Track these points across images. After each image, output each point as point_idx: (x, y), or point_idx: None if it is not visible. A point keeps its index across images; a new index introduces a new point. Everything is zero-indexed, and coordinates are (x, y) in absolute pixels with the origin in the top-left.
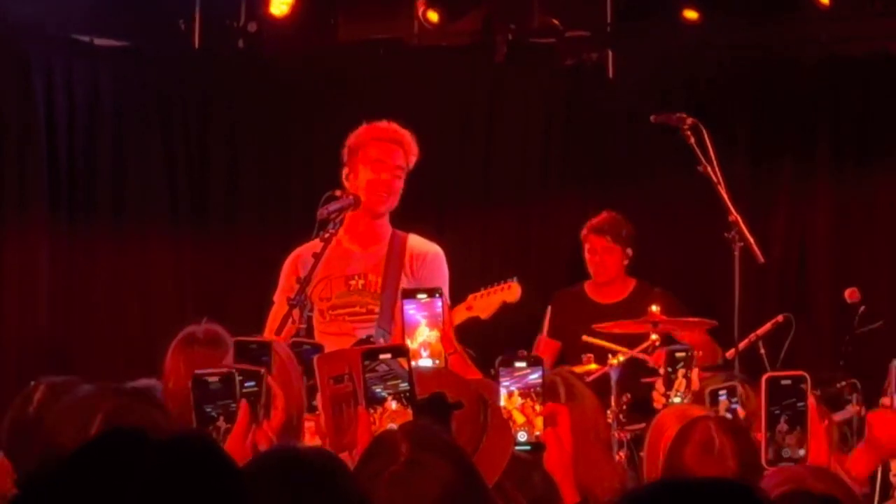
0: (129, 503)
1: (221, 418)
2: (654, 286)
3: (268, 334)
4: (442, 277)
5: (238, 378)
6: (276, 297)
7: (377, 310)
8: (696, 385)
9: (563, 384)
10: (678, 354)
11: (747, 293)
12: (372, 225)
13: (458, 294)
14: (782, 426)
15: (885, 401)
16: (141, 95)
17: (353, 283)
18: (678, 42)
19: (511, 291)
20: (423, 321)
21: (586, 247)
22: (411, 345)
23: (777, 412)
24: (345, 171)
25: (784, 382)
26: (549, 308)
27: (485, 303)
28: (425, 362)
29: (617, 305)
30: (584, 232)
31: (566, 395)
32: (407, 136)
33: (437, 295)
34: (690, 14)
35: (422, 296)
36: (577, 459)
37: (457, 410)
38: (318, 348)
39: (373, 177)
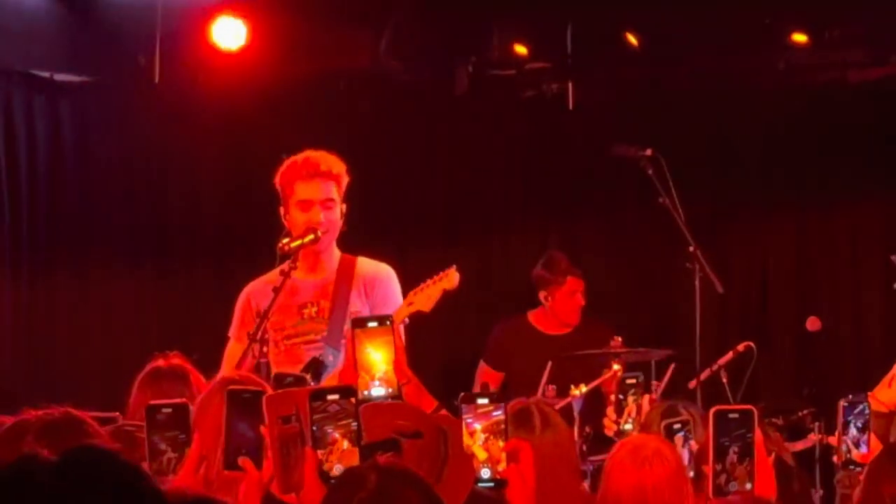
0: None
1: (169, 449)
2: (600, 316)
3: (226, 371)
4: (395, 297)
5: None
6: (231, 333)
7: (325, 333)
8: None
9: (538, 413)
10: (629, 381)
11: (709, 323)
12: (318, 254)
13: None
14: (731, 457)
15: None
16: (101, 130)
17: (306, 311)
18: (638, 73)
19: (449, 279)
20: (375, 353)
21: (562, 289)
22: (364, 377)
23: (726, 443)
24: (281, 210)
25: (732, 416)
26: (489, 339)
27: (424, 296)
28: (378, 391)
29: (565, 337)
30: (552, 274)
31: (541, 424)
32: (330, 162)
33: (388, 323)
34: (632, 39)
35: (372, 324)
36: (548, 488)
37: (416, 440)
38: (301, 380)
39: (306, 217)
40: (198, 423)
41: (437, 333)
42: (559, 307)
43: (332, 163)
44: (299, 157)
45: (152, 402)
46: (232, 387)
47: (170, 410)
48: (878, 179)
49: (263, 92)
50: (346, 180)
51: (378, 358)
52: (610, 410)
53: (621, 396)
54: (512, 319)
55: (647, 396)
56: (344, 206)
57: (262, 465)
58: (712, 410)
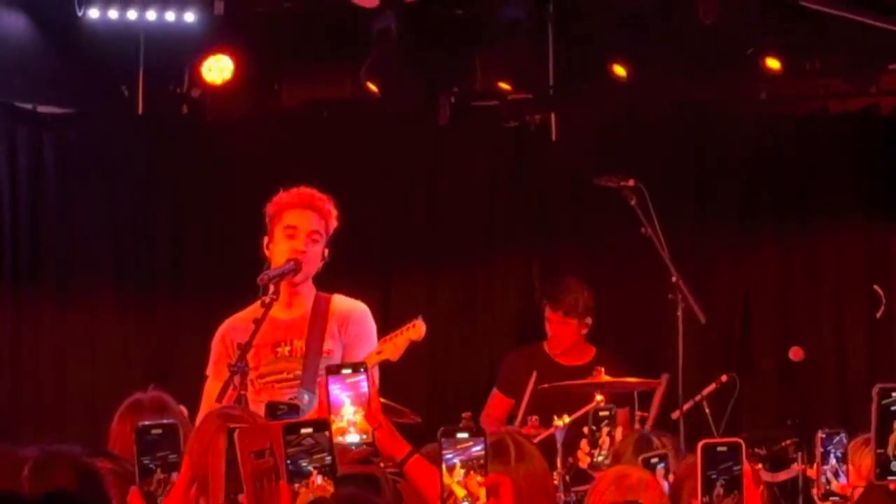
0: None
1: (158, 469)
2: (613, 354)
3: (206, 409)
4: (369, 335)
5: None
6: (209, 371)
7: (301, 373)
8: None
9: (512, 444)
10: (602, 413)
11: (692, 354)
12: (294, 291)
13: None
14: (718, 490)
15: None
16: (84, 162)
17: (280, 350)
18: (621, 103)
19: (416, 329)
20: (348, 400)
21: (544, 313)
22: (338, 423)
23: (714, 476)
24: (265, 239)
25: (720, 449)
26: (503, 365)
27: (392, 345)
28: (352, 438)
29: (578, 368)
30: (539, 297)
31: (516, 455)
32: (324, 199)
33: (363, 370)
34: (619, 70)
35: (346, 370)
36: None
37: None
38: (294, 409)
39: (287, 245)
40: (191, 450)
41: (422, 364)
42: (549, 333)
43: (326, 200)
44: (298, 188)
45: (142, 422)
46: (231, 424)
47: (160, 431)
48: (860, 209)
49: (247, 123)
50: (334, 224)
51: (351, 404)
52: (584, 443)
53: (594, 428)
54: (526, 347)
55: (619, 428)
56: (327, 251)
57: None
58: (700, 444)
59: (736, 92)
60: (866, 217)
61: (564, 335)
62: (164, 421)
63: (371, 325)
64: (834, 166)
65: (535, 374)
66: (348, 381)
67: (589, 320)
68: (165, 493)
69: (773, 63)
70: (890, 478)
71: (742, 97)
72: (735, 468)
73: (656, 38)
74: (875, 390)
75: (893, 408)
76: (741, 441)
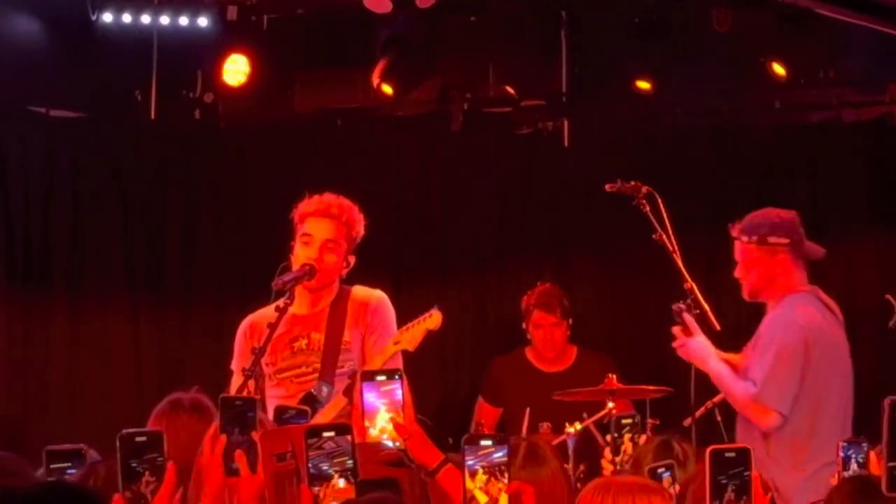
0: None
1: (147, 472)
2: (597, 351)
3: None
4: (388, 323)
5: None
6: (234, 366)
7: (319, 365)
8: None
9: (541, 448)
10: (624, 421)
11: None
12: (315, 295)
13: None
14: (729, 495)
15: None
16: (97, 166)
17: (296, 344)
18: (633, 110)
19: (432, 319)
20: (383, 407)
21: (531, 320)
22: (372, 430)
23: (724, 482)
24: (292, 245)
25: (728, 454)
26: (487, 375)
27: (409, 335)
28: (387, 444)
29: (562, 374)
30: (526, 306)
31: (541, 459)
32: (345, 207)
33: (397, 377)
34: (644, 84)
35: (381, 377)
36: None
37: (404, 469)
38: (302, 414)
39: (303, 253)
40: (170, 452)
41: (433, 369)
42: (535, 340)
43: (347, 209)
44: (321, 195)
45: (124, 430)
46: (224, 395)
47: (144, 438)
48: (873, 218)
49: (259, 128)
50: (358, 232)
51: (386, 412)
52: (607, 451)
53: (616, 436)
54: (509, 355)
55: (643, 437)
56: (352, 259)
57: (256, 469)
58: (708, 450)
59: (749, 100)
60: (879, 226)
61: (558, 337)
62: (149, 429)
63: (390, 314)
64: (847, 175)
65: (528, 411)
66: (383, 388)
67: (570, 321)
68: (154, 496)
69: (778, 69)
70: None
71: (755, 105)
72: (745, 473)
73: (670, 45)
74: (886, 402)
75: None
76: (749, 447)
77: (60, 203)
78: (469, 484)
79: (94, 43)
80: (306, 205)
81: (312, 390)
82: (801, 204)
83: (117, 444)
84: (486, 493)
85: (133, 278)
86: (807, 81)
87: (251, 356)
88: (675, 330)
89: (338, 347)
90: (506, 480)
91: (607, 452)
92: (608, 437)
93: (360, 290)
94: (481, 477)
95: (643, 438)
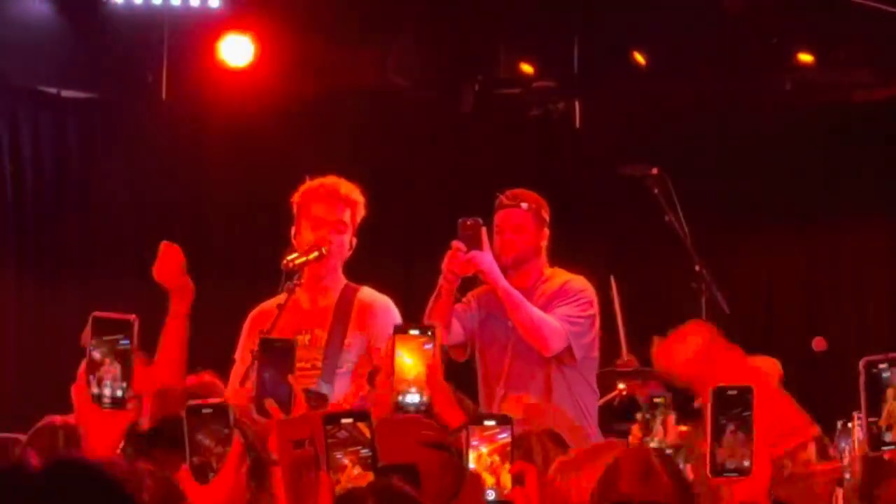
0: None
1: (213, 443)
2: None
3: (230, 392)
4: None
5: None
6: (237, 355)
7: (321, 364)
8: (672, 431)
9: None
10: (657, 400)
11: None
12: (322, 280)
13: None
14: (728, 436)
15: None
16: (108, 146)
17: (299, 338)
18: (645, 91)
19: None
20: (411, 361)
21: None
22: (398, 382)
23: (724, 422)
24: (293, 229)
25: (731, 392)
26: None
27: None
28: (413, 398)
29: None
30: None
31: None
32: (349, 189)
33: (430, 333)
34: (639, 58)
35: (414, 332)
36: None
37: (442, 453)
38: (322, 396)
39: (312, 236)
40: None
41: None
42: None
43: (352, 190)
44: (320, 179)
45: (192, 401)
46: (264, 336)
47: (210, 410)
48: (884, 199)
49: (270, 109)
50: (361, 212)
51: (414, 365)
52: (635, 428)
53: (648, 416)
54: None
55: (671, 417)
56: (354, 240)
57: (290, 412)
58: (711, 388)
59: (761, 81)
60: (891, 207)
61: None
62: (214, 400)
63: (393, 320)
64: (858, 156)
65: None
66: (413, 343)
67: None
68: (220, 467)
69: (805, 57)
70: (884, 448)
71: (767, 87)
72: (745, 414)
73: (682, 26)
74: (862, 363)
75: (886, 375)
76: (752, 386)
77: (71, 184)
78: (474, 463)
79: (105, 23)
80: (311, 187)
81: (311, 390)
82: (810, 185)
83: (184, 416)
84: (492, 473)
85: (144, 259)
86: (818, 63)
87: (255, 343)
88: (457, 243)
89: (340, 347)
90: (510, 462)
91: (636, 430)
92: (639, 416)
93: (366, 293)
94: (485, 458)
95: (670, 419)
